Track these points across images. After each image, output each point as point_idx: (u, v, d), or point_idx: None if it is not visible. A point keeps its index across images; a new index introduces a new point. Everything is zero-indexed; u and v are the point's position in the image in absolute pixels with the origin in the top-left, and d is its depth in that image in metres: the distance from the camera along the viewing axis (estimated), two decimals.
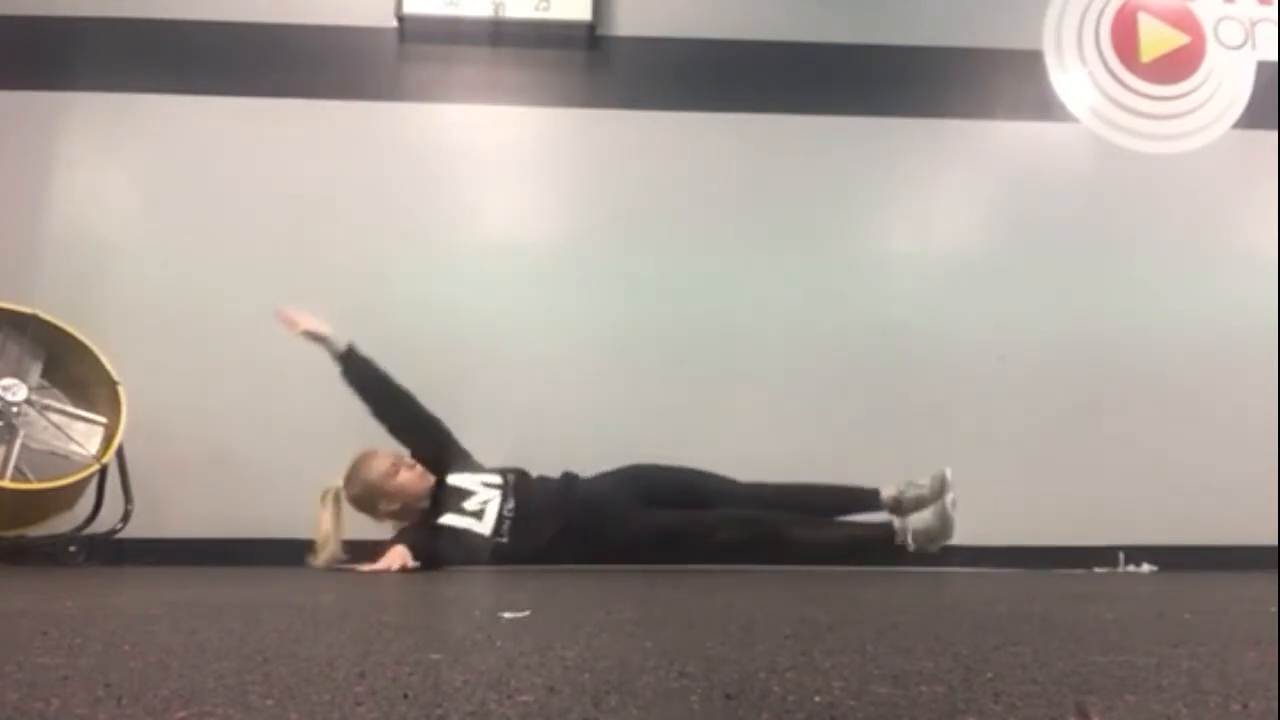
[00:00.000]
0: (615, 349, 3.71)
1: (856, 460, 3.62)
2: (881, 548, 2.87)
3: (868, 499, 2.99)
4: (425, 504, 2.81)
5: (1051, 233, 3.89)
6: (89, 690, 0.69)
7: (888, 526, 2.89)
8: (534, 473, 2.99)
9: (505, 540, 2.75)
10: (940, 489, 2.88)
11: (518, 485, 2.86)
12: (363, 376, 2.86)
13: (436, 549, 2.71)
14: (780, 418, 3.65)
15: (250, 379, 3.54)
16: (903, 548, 2.84)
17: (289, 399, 3.53)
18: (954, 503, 2.83)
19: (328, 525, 2.79)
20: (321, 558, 2.77)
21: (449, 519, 2.76)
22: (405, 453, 2.88)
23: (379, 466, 2.80)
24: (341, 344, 2.87)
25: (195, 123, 3.77)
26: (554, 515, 2.81)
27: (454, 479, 2.84)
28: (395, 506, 2.80)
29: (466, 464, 2.91)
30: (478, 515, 2.77)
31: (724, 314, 3.75)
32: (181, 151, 3.77)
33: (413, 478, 2.80)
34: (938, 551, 2.87)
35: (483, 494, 2.82)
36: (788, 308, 3.75)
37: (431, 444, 2.88)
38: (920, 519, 2.84)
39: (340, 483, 2.84)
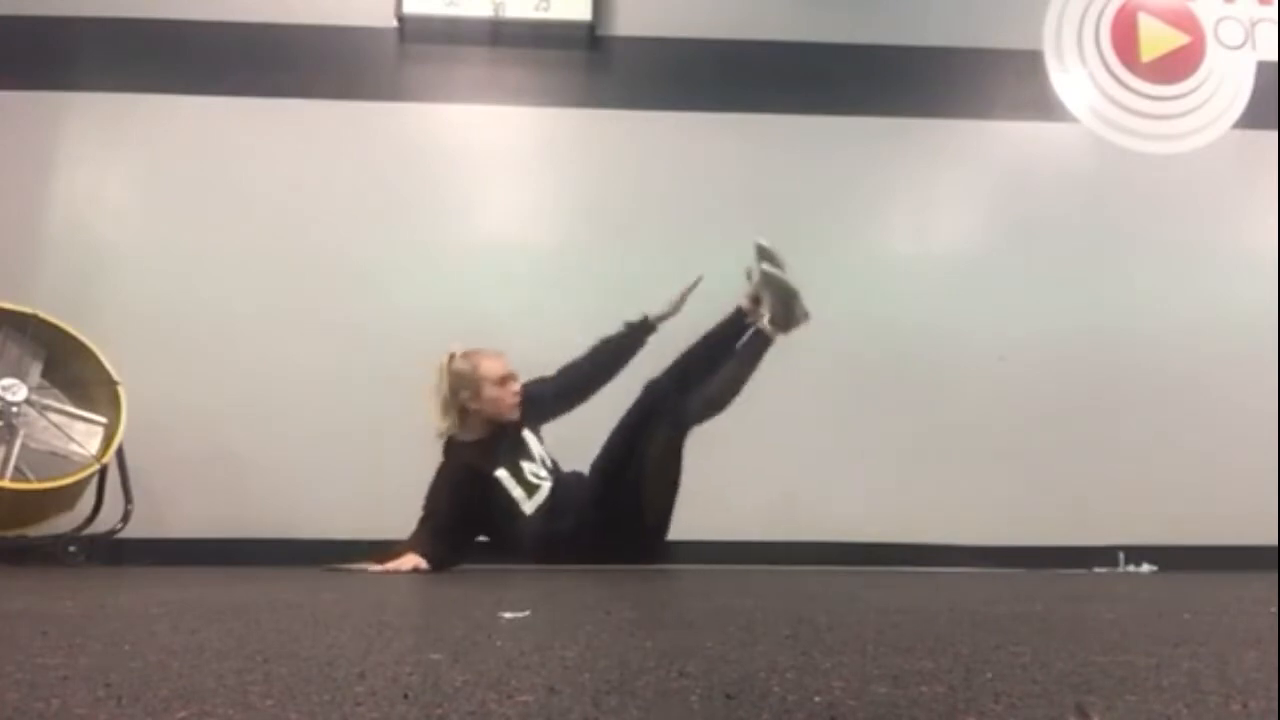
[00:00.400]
0: None
1: (856, 460, 3.63)
2: (758, 340, 2.84)
3: (735, 320, 2.93)
4: (491, 430, 2.77)
5: (1051, 233, 3.90)
6: (89, 690, 0.69)
7: (736, 310, 2.89)
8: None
9: (537, 529, 2.71)
10: (764, 260, 2.83)
11: (557, 479, 2.81)
12: (628, 345, 2.92)
13: (445, 557, 2.67)
14: (780, 418, 3.64)
15: (250, 379, 3.54)
16: (770, 326, 2.82)
17: (289, 399, 3.54)
18: (768, 244, 2.82)
19: (446, 394, 2.74)
20: (443, 426, 2.73)
21: (503, 474, 2.71)
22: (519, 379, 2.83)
23: (493, 369, 2.75)
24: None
25: (195, 123, 3.77)
26: (573, 514, 2.78)
27: (529, 435, 2.81)
28: (474, 407, 2.74)
29: (538, 432, 2.87)
30: (529, 490, 2.72)
31: (723, 313, 3.73)
32: (181, 151, 3.77)
33: (506, 396, 2.75)
34: (803, 315, 2.85)
35: (541, 470, 2.78)
36: None
37: (553, 402, 2.88)
38: (768, 311, 2.82)
39: (458, 351, 2.79)
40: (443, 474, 2.74)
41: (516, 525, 2.69)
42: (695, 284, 2.97)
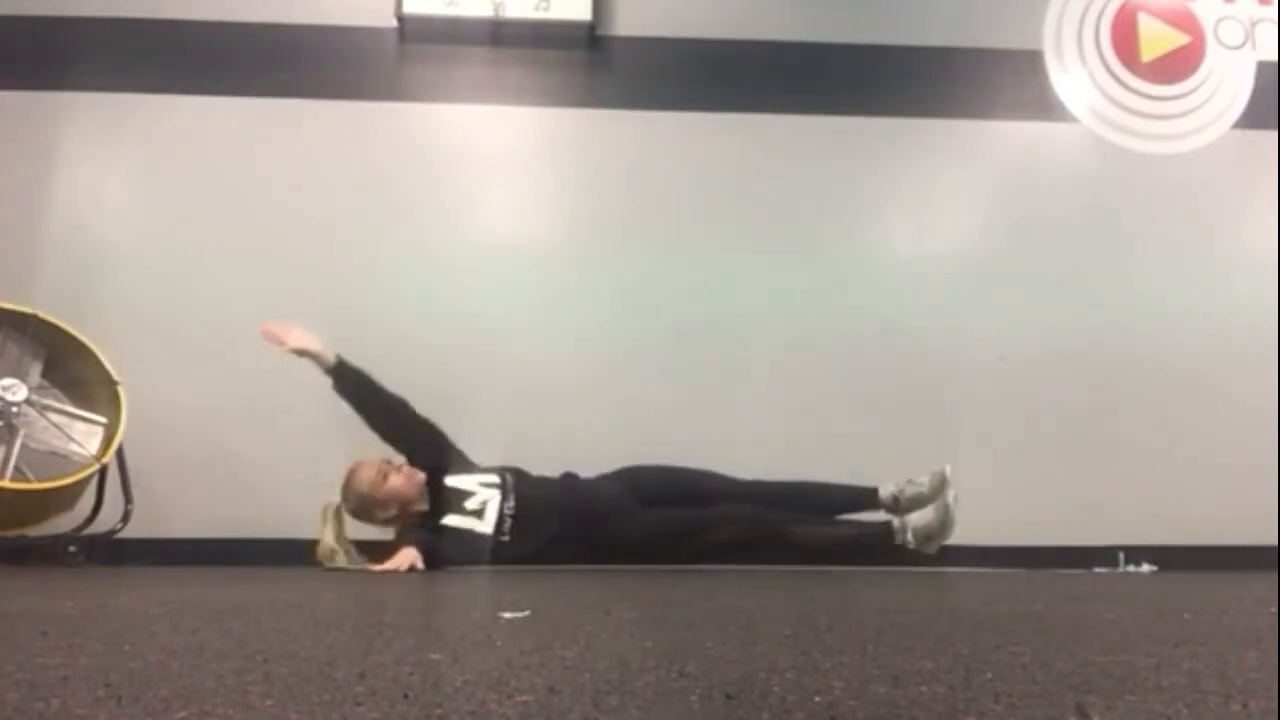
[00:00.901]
0: (615, 349, 3.71)
1: (856, 460, 3.62)
2: (881, 547, 2.86)
3: (866, 498, 2.99)
4: (423, 505, 2.81)
5: (1052, 233, 3.89)
6: (89, 690, 0.69)
7: (887, 525, 2.89)
8: (532, 473, 2.99)
9: (507, 539, 2.75)
10: (940, 486, 2.87)
11: (517, 484, 2.87)
12: (355, 388, 2.86)
13: (441, 550, 2.70)
14: (780, 418, 3.64)
15: (250, 379, 3.54)
16: (902, 547, 2.83)
17: (289, 399, 3.53)
18: (955, 500, 2.83)
19: (330, 539, 2.79)
20: (337, 564, 2.77)
21: (451, 520, 2.76)
22: (395, 456, 2.87)
23: (367, 476, 2.79)
24: (331, 357, 2.86)
25: (195, 123, 3.77)
26: (554, 514, 2.81)
27: (452, 480, 2.84)
28: (392, 512, 2.79)
29: (463, 465, 2.91)
30: (478, 514, 2.77)
31: (723, 313, 3.74)
32: (181, 151, 3.77)
33: (401, 481, 2.79)
34: (937, 551, 2.86)
35: (482, 494, 2.82)
36: (787, 307, 3.75)
37: (428, 449, 2.89)
38: (920, 517, 2.84)
39: (338, 498, 2.84)
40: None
41: (483, 546, 2.73)
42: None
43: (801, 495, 2.97)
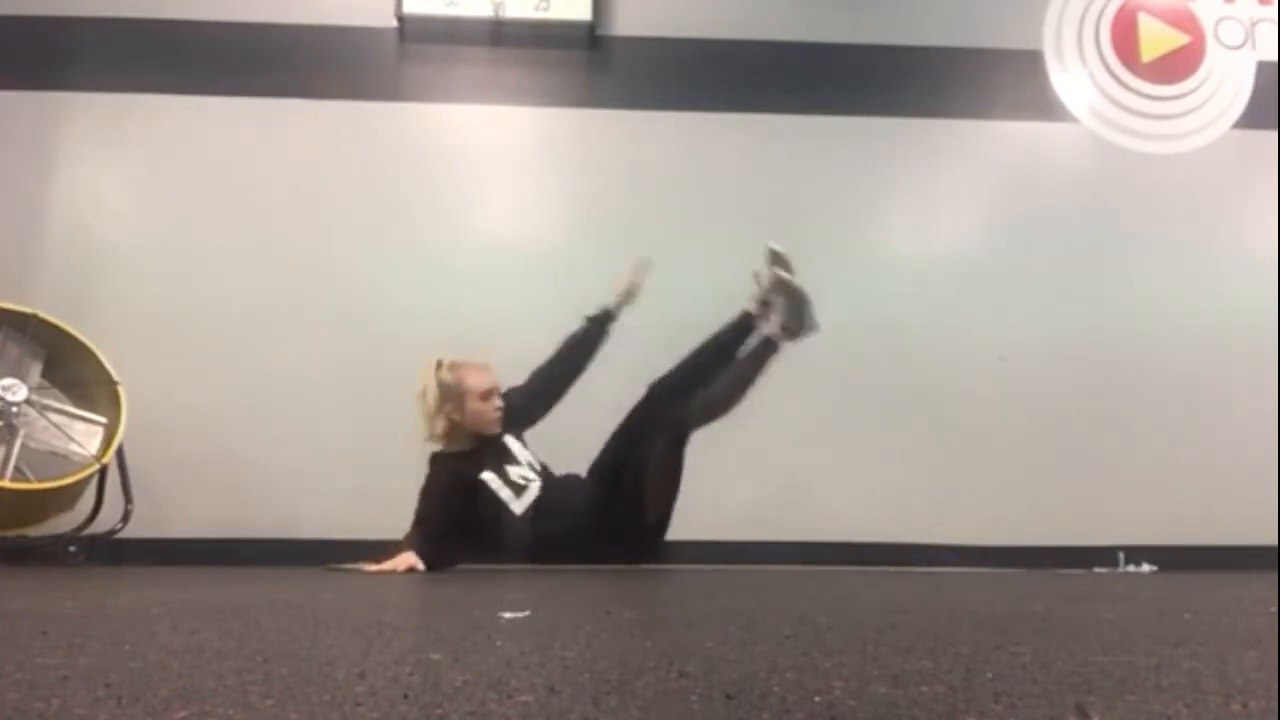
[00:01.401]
0: (614, 349, 3.70)
1: (856, 460, 3.63)
2: (766, 346, 2.83)
3: (743, 324, 2.94)
4: (474, 444, 2.77)
5: (1052, 233, 3.90)
6: (89, 690, 0.69)
7: (754, 329, 2.88)
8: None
9: (528, 525, 2.72)
10: (777, 265, 2.83)
11: (547, 481, 2.83)
12: (595, 339, 2.95)
13: (441, 550, 2.68)
14: (779, 418, 3.64)
15: (250, 379, 3.54)
16: (779, 333, 2.81)
17: (289, 399, 3.53)
18: (780, 249, 2.81)
19: (433, 401, 2.73)
20: (428, 435, 2.74)
21: (490, 476, 2.72)
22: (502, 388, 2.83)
23: (478, 383, 2.74)
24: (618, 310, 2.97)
25: (195, 123, 3.77)
26: (568, 514, 2.79)
27: (512, 441, 2.82)
28: (456, 418, 2.73)
29: (521, 438, 2.88)
30: (517, 490, 2.73)
31: (723, 313, 3.74)
32: (181, 151, 3.77)
33: (489, 411, 2.75)
34: (813, 323, 2.83)
35: (527, 474, 2.79)
36: None
37: (531, 408, 2.90)
38: (778, 317, 2.81)
39: (445, 360, 2.78)
40: (431, 483, 2.75)
41: (507, 526, 2.70)
42: (644, 267, 3.00)
43: (694, 371, 2.90)
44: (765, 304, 2.90)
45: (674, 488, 2.79)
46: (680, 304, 3.75)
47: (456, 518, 2.72)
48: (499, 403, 2.78)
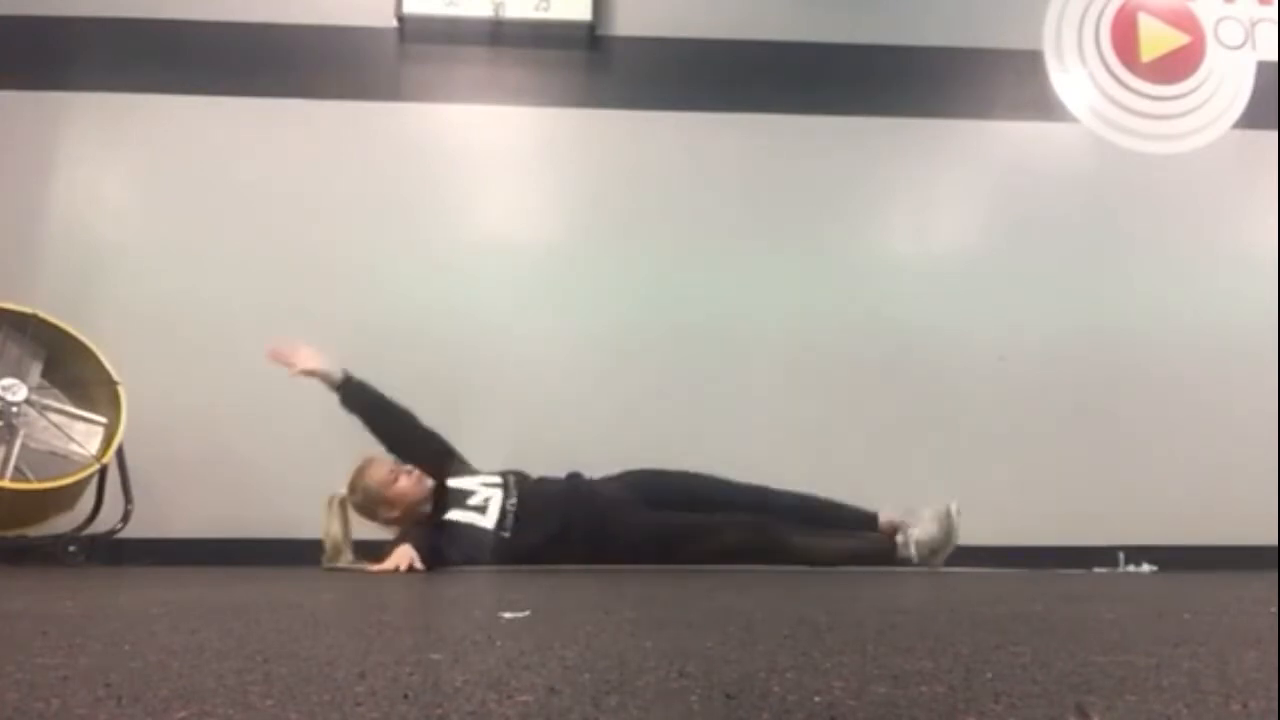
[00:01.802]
0: (615, 349, 3.71)
1: (856, 460, 3.62)
2: (882, 559, 2.87)
3: (864, 521, 2.99)
4: (426, 509, 2.82)
5: (1051, 233, 3.89)
6: (89, 690, 0.69)
7: (889, 542, 2.90)
8: (534, 475, 2.99)
9: (508, 534, 2.75)
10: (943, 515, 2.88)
11: (519, 483, 2.88)
12: (363, 404, 2.88)
13: (441, 548, 2.71)
14: (779, 418, 3.64)
15: (250, 379, 3.53)
16: (906, 560, 2.84)
17: (289, 399, 3.52)
18: (957, 510, 2.83)
19: (337, 532, 2.81)
20: (339, 562, 2.79)
21: (453, 514, 2.77)
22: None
23: (378, 475, 2.82)
24: (338, 374, 2.88)
25: (195, 123, 3.77)
26: (557, 511, 2.82)
27: (454, 482, 2.85)
28: (396, 513, 2.81)
29: (465, 471, 2.92)
30: (480, 510, 2.78)
31: (723, 314, 3.75)
32: (181, 151, 3.77)
33: (411, 484, 2.82)
34: (941, 563, 2.87)
35: (484, 492, 2.83)
36: (787, 307, 3.75)
37: (432, 457, 2.90)
38: (922, 531, 2.85)
39: (344, 490, 2.85)
40: (417, 541, 2.74)
41: (484, 543, 2.74)
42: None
43: (805, 509, 2.97)
44: (895, 529, 2.92)
45: (698, 561, 2.85)
46: (680, 304, 3.77)
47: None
48: (407, 468, 2.83)
